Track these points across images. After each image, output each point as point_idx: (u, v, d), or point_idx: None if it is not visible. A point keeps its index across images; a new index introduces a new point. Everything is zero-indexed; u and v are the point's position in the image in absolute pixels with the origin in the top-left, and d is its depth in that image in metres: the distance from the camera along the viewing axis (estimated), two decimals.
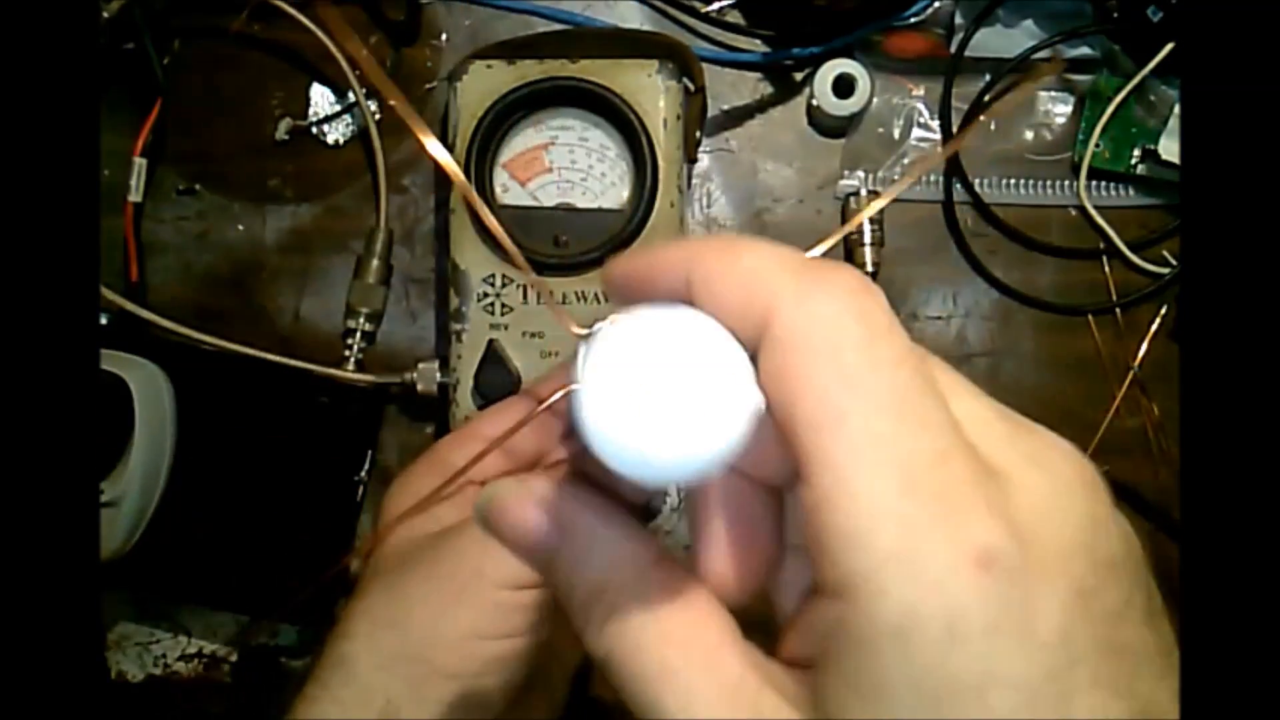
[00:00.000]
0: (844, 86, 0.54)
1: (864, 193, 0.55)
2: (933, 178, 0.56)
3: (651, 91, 0.49)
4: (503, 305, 0.49)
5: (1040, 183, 0.56)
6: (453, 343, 0.50)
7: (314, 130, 0.57)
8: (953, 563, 0.19)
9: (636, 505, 0.26)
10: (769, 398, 0.21)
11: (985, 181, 0.56)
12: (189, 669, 0.55)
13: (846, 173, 0.56)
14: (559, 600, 0.25)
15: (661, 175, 0.49)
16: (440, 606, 0.35)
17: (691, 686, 0.22)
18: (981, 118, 0.55)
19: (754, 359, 0.22)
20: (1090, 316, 0.56)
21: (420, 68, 0.57)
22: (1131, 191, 0.56)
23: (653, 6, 0.56)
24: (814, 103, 0.55)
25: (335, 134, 0.57)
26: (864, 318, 0.21)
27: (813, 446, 0.20)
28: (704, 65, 0.52)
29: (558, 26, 0.56)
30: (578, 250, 0.49)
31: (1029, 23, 0.55)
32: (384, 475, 0.56)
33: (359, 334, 0.55)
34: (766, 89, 0.57)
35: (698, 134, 0.53)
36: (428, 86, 0.57)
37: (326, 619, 0.55)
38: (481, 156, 0.49)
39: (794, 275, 0.21)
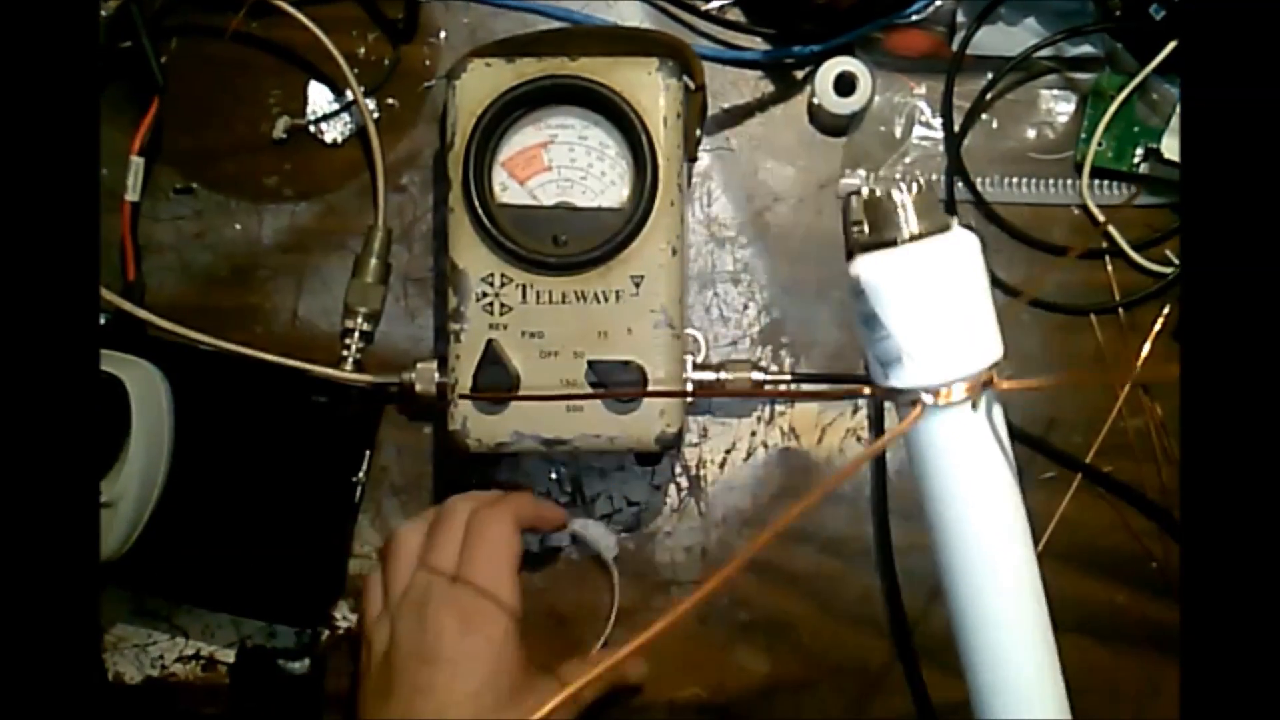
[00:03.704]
0: (845, 85, 0.54)
1: (865, 191, 0.55)
2: (935, 177, 0.56)
3: (651, 90, 0.49)
4: (501, 305, 0.49)
5: (1043, 182, 0.55)
6: (451, 342, 0.49)
7: (312, 129, 0.56)
8: None
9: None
10: None
11: (987, 180, 0.55)
12: (186, 670, 0.55)
13: (848, 171, 0.56)
14: None
15: (661, 174, 0.49)
16: None
17: None
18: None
19: None
20: (1093, 316, 0.55)
21: (418, 65, 0.57)
22: (1134, 190, 0.55)
23: (653, 4, 0.56)
24: (815, 101, 0.54)
25: (333, 132, 0.57)
26: None
27: None
28: (704, 63, 0.52)
29: (557, 24, 0.55)
30: (577, 249, 0.49)
31: (1031, 20, 0.55)
32: (381, 476, 0.56)
33: (357, 334, 0.54)
34: (767, 87, 0.56)
35: (698, 132, 0.53)
36: (426, 85, 0.56)
37: (322, 619, 0.55)
38: (480, 155, 0.49)
39: None
